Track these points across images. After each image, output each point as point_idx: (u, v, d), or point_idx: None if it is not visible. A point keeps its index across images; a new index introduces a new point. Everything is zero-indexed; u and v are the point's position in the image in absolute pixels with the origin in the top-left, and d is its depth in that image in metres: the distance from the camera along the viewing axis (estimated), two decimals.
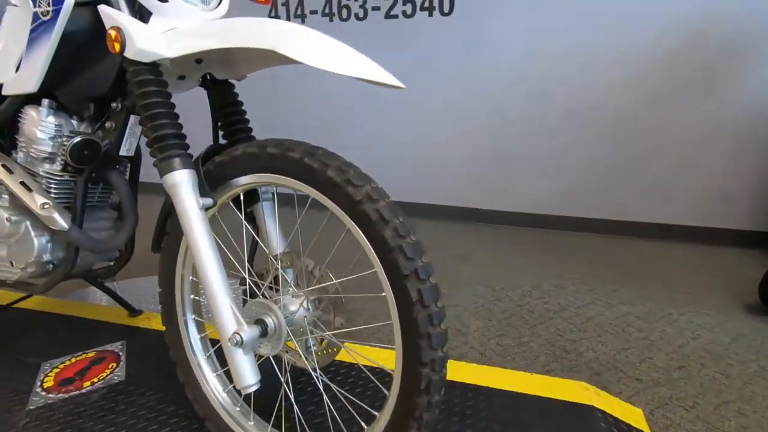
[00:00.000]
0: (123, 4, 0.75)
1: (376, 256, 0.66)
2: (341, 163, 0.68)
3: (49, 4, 0.76)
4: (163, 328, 0.93)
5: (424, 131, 2.45)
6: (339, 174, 0.66)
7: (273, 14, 2.51)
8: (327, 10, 2.42)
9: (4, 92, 0.86)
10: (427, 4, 2.25)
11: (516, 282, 1.80)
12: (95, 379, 1.12)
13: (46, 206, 0.83)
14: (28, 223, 0.87)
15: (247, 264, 0.84)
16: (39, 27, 0.78)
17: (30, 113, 0.86)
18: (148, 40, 0.71)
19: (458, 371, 1.17)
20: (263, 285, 0.83)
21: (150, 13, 0.76)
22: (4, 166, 0.85)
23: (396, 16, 2.32)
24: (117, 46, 0.72)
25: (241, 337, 0.69)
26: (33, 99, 0.85)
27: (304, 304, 0.80)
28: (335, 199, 0.67)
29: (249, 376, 0.70)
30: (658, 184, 2.14)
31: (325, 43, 0.64)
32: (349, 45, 0.66)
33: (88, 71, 0.83)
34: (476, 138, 2.37)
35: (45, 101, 0.85)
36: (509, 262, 2.00)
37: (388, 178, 2.45)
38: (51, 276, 0.92)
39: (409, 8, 2.28)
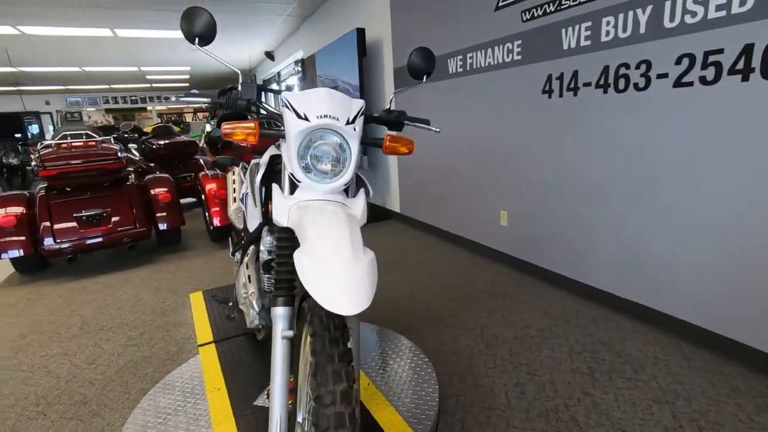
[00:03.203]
0: (286, 185, 1.10)
1: None
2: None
3: (249, 183, 1.22)
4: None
5: (726, 241, 1.77)
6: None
7: (548, 88, 2.46)
8: (602, 81, 2.15)
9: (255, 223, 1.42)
10: (741, 65, 1.61)
11: None
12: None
13: (253, 294, 1.32)
14: (250, 300, 1.40)
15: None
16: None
17: (262, 233, 1.37)
18: (279, 213, 1.03)
19: None
20: None
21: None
22: (246, 265, 1.42)
23: (689, 84, 1.78)
24: (269, 213, 1.08)
25: None
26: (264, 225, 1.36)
27: None
28: None
29: None
30: None
31: (338, 294, 0.77)
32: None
33: None
34: None
35: (265, 227, 1.34)
36: None
37: (660, 281, 1.94)
38: (261, 332, 1.44)
39: (710, 73, 1.71)
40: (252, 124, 1.04)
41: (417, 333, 2.17)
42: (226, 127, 1.04)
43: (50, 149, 3.49)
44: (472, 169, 3.25)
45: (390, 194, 4.60)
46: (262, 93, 1.19)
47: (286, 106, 1.05)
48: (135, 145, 6.07)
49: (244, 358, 1.95)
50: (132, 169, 4.52)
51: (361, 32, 4.14)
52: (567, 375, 1.76)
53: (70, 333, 2.44)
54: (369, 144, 1.18)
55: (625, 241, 2.17)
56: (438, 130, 1.37)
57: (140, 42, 7.10)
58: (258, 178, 1.18)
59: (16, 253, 3.23)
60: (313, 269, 0.77)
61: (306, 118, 1.00)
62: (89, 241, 3.33)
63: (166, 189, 3.82)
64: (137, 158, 5.77)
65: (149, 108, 16.16)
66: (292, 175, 1.05)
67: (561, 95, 2.39)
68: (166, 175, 4.05)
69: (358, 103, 1.09)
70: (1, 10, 4.92)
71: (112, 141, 3.90)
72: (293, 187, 1.09)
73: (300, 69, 6.12)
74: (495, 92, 2.88)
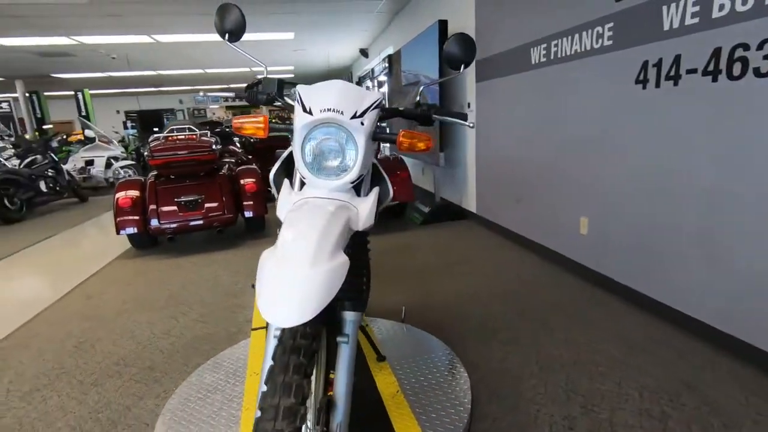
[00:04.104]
0: (296, 181, 1.08)
1: None
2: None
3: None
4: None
5: None
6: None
7: (643, 77, 2.10)
8: (711, 67, 1.76)
9: None
10: None
11: None
12: None
13: None
14: None
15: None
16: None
17: None
18: (281, 209, 1.02)
19: None
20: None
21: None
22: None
23: None
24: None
25: None
26: None
27: None
28: None
29: None
30: None
31: (276, 301, 0.73)
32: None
33: None
34: None
35: None
36: None
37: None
38: None
39: None
40: (261, 118, 1.03)
41: (464, 343, 2.02)
42: (236, 121, 1.05)
43: (158, 141, 3.99)
44: (552, 170, 2.94)
45: (467, 194, 4.40)
46: (283, 87, 1.19)
47: (297, 100, 1.02)
48: (237, 139, 6.68)
49: None
50: (233, 161, 4.97)
51: (442, 24, 4.00)
52: (632, 416, 1.49)
53: (158, 304, 2.77)
54: (382, 140, 1.10)
55: (733, 262, 1.76)
56: (472, 125, 1.23)
57: (247, 44, 7.79)
58: (271, 174, 1.17)
59: (131, 230, 3.76)
60: (264, 271, 0.73)
61: (310, 112, 0.96)
62: (187, 224, 3.75)
63: (253, 180, 4.13)
64: (238, 151, 6.35)
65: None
66: (299, 170, 1.02)
67: (658, 85, 2.02)
68: (254, 167, 4.37)
69: (373, 96, 1.02)
70: (138, 20, 5.77)
71: (209, 135, 4.33)
72: (302, 184, 1.06)
73: (388, 65, 6.16)
74: (581, 83, 2.55)
